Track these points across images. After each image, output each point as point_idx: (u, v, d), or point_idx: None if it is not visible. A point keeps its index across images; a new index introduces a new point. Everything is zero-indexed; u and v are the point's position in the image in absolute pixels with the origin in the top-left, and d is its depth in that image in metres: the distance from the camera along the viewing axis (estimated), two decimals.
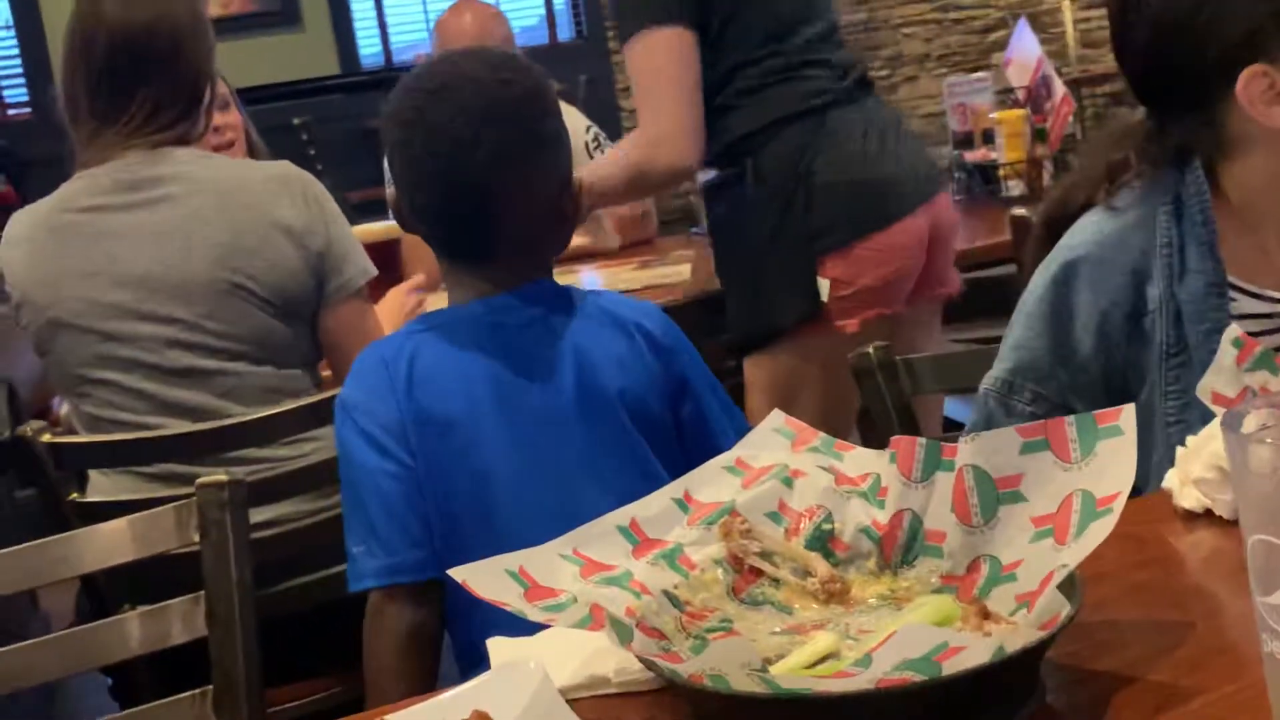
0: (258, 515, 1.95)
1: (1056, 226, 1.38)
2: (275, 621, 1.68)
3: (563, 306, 1.53)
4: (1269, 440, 0.70)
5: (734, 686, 0.81)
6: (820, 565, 1.00)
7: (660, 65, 2.23)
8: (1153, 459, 1.25)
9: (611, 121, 6.21)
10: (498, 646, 1.03)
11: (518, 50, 3.22)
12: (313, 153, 5.94)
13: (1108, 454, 0.93)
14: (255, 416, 1.93)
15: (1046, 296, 1.34)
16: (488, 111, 1.42)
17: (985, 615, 0.87)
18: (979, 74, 3.49)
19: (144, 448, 1.93)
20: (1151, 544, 1.09)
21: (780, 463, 1.07)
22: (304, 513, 1.97)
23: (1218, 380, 1.11)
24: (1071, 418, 0.95)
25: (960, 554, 0.98)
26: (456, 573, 0.92)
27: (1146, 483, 1.22)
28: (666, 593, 0.96)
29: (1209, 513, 1.10)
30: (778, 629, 0.96)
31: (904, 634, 0.77)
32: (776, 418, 1.12)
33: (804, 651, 0.89)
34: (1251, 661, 0.73)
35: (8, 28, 6.17)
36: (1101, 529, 0.89)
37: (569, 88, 5.57)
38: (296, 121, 6.05)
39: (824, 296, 2.25)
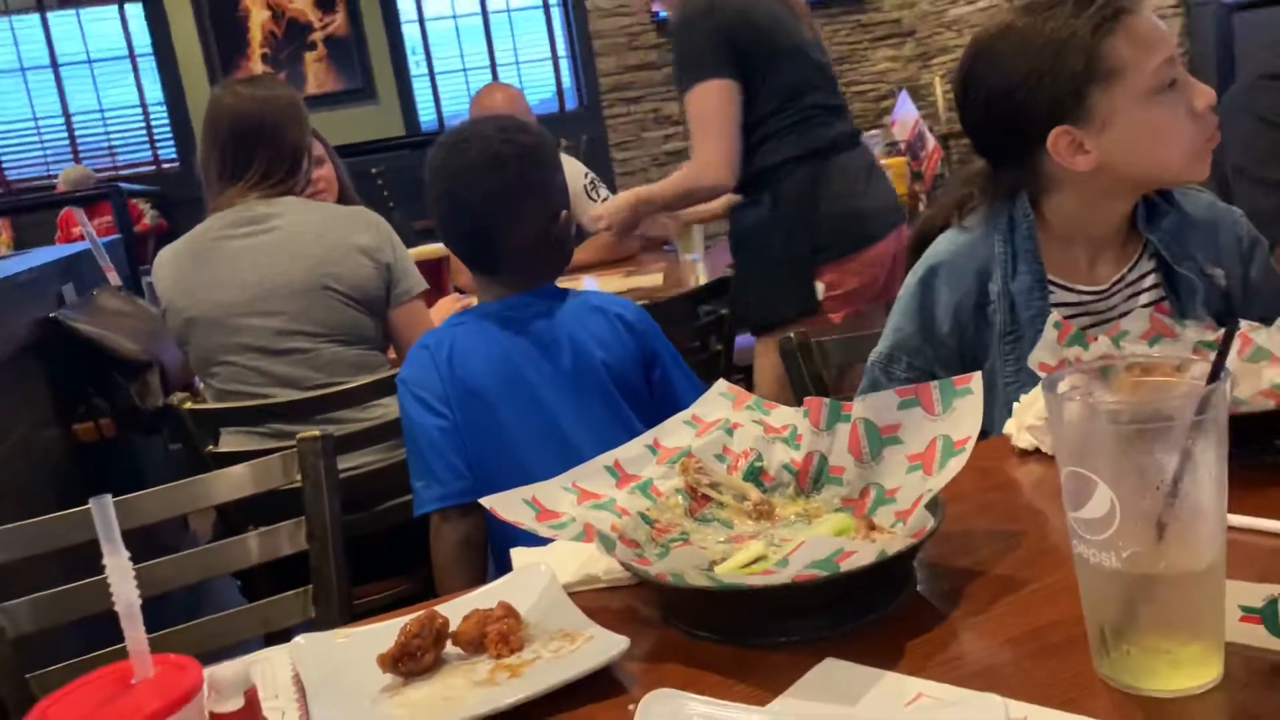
0: (345, 461, 1.96)
1: (923, 242, 1.39)
2: (361, 538, 1.68)
3: (561, 302, 1.55)
4: (1075, 399, 0.70)
5: (689, 581, 0.81)
6: (753, 492, 1.00)
7: (711, 107, 2.21)
8: (995, 411, 1.25)
9: (605, 169, 6.20)
10: (519, 555, 1.03)
11: (533, 118, 3.20)
12: (386, 194, 5.91)
13: (962, 408, 0.93)
14: (338, 389, 1.92)
15: (915, 292, 1.34)
16: (488, 164, 1.44)
17: (872, 527, 0.87)
18: (873, 131, 3.48)
19: (258, 412, 1.91)
20: (995, 474, 1.09)
21: (724, 417, 1.07)
22: (379, 460, 1.96)
23: (1043, 353, 1.11)
24: (936, 382, 0.95)
25: (855, 483, 0.98)
26: (485, 501, 0.91)
27: (992, 428, 1.22)
28: (641, 514, 0.96)
29: (1038, 451, 1.10)
30: (722, 539, 0.95)
31: (811, 543, 0.77)
32: (721, 385, 1.11)
33: (741, 555, 0.89)
34: (1067, 559, 0.73)
35: (160, 104, 6.12)
36: (957, 463, 0.89)
37: (573, 144, 5.55)
38: (374, 170, 6.02)
39: (820, 296, 2.26)
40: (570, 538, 0.88)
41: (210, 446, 1.92)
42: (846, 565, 0.77)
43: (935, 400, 0.94)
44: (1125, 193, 1.29)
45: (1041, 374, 1.10)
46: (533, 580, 0.93)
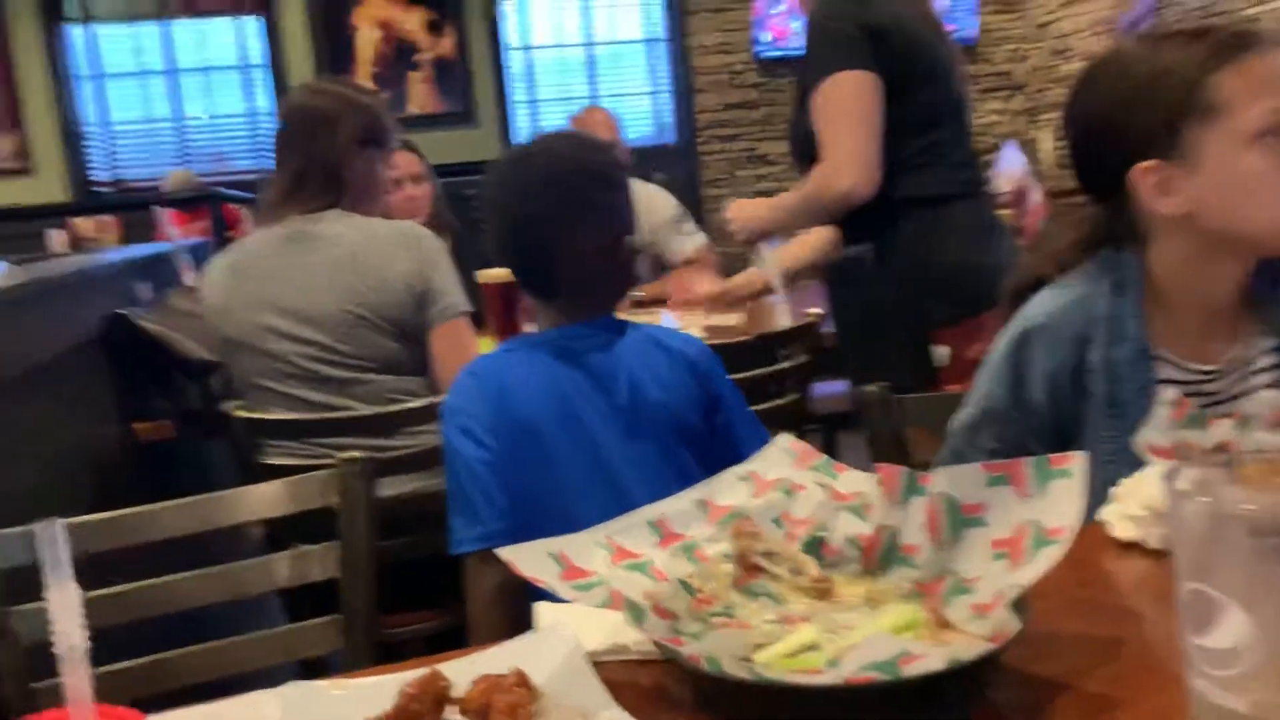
0: (386, 487, 1.88)
1: (1018, 299, 1.26)
2: (396, 566, 1.60)
3: (620, 335, 1.45)
4: (1200, 500, 0.58)
5: (725, 670, 0.70)
6: (812, 566, 0.88)
7: (845, 101, 1.93)
8: (1090, 493, 1.11)
9: (695, 205, 6.13)
10: (544, 611, 0.93)
11: (624, 144, 3.13)
12: (478, 216, 5.93)
13: (1058, 492, 0.81)
14: (376, 412, 1.85)
15: (1007, 356, 1.22)
16: (549, 180, 1.34)
17: (944, 624, 0.74)
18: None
19: (300, 427, 1.85)
20: (1089, 567, 0.95)
21: (785, 478, 0.96)
22: (420, 485, 1.88)
23: (1154, 434, 0.98)
24: (1030, 459, 0.83)
25: (929, 566, 0.86)
26: (504, 553, 0.82)
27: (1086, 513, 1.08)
28: (681, 580, 0.85)
29: (1140, 544, 0.97)
30: (771, 618, 0.84)
31: (871, 642, 0.65)
32: (784, 439, 1.00)
33: (789, 640, 0.78)
34: (1173, 680, 0.61)
35: (269, 114, 6.24)
36: (1051, 556, 0.77)
37: (670, 178, 5.50)
38: (469, 192, 6.04)
39: (943, 363, 1.99)
40: (595, 603, 0.78)
41: (258, 457, 1.86)
42: (911, 670, 0.65)
43: (1029, 479, 0.82)
44: (1224, 253, 1.16)
45: (1151, 457, 0.97)
46: (554, 645, 0.83)
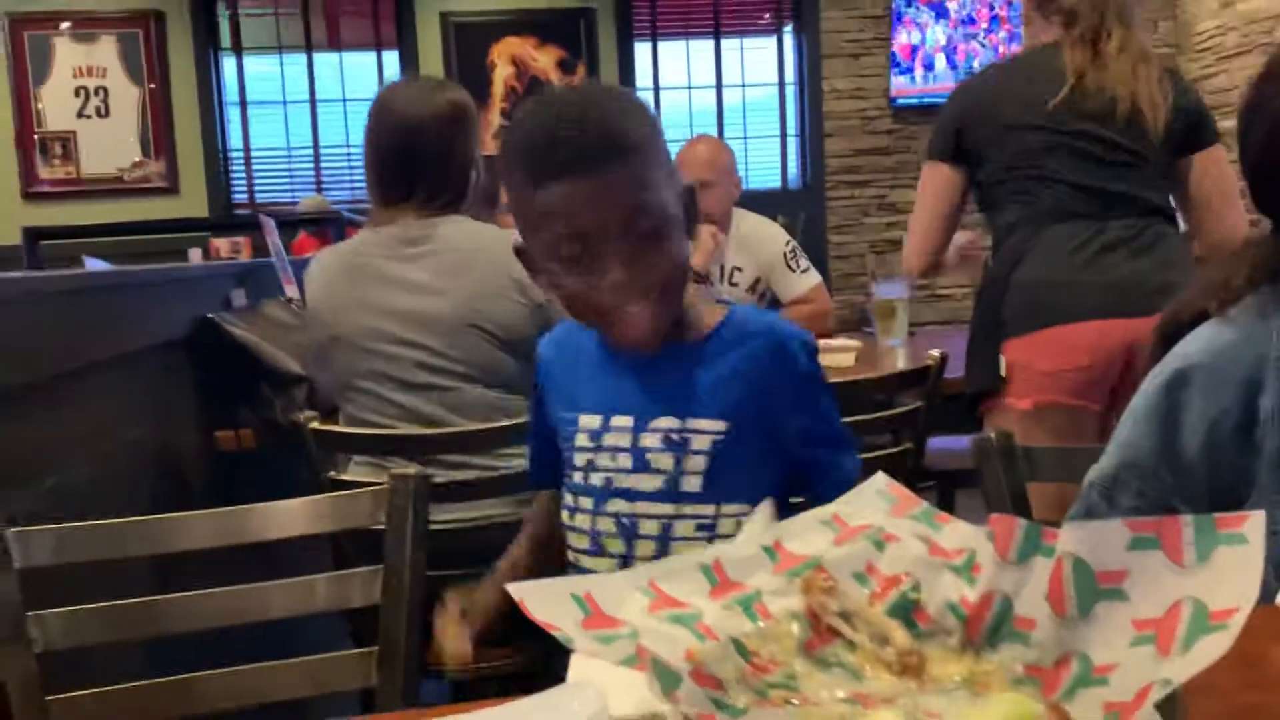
0: (467, 511, 1.77)
1: (1172, 335, 1.06)
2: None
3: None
4: None
5: None
6: (900, 635, 0.71)
7: (922, 190, 2.22)
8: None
9: (819, 249, 5.95)
10: (578, 664, 0.77)
11: (735, 173, 2.98)
12: None
13: (1227, 563, 0.62)
14: (463, 429, 1.75)
15: (1158, 400, 1.02)
16: (562, 115, 1.12)
17: None
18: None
19: (380, 441, 1.75)
20: (1264, 663, 0.76)
21: (876, 525, 0.79)
22: (504, 513, 1.76)
23: None
24: (1189, 517, 0.64)
25: (1049, 645, 0.68)
26: (515, 589, 0.67)
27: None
28: (735, 639, 0.69)
29: None
30: (843, 695, 0.67)
31: None
32: (880, 480, 0.83)
33: None
34: None
35: None
36: (1214, 646, 0.59)
37: (790, 221, 5.34)
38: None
39: (1002, 371, 2.05)
40: (616, 659, 0.63)
41: (333, 472, 1.77)
42: None
43: (1187, 545, 0.64)
44: None
45: None
46: (575, 705, 0.68)
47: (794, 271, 2.98)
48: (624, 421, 1.14)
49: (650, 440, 1.13)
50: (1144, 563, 0.65)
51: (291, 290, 2.46)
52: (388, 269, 1.89)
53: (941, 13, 6.21)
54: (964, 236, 2.35)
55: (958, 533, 0.78)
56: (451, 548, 1.55)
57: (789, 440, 1.16)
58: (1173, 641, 0.61)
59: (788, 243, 3.00)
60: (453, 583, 1.64)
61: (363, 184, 6.08)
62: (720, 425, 1.13)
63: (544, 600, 0.67)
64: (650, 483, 1.13)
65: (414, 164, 1.90)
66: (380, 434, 1.79)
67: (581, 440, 1.17)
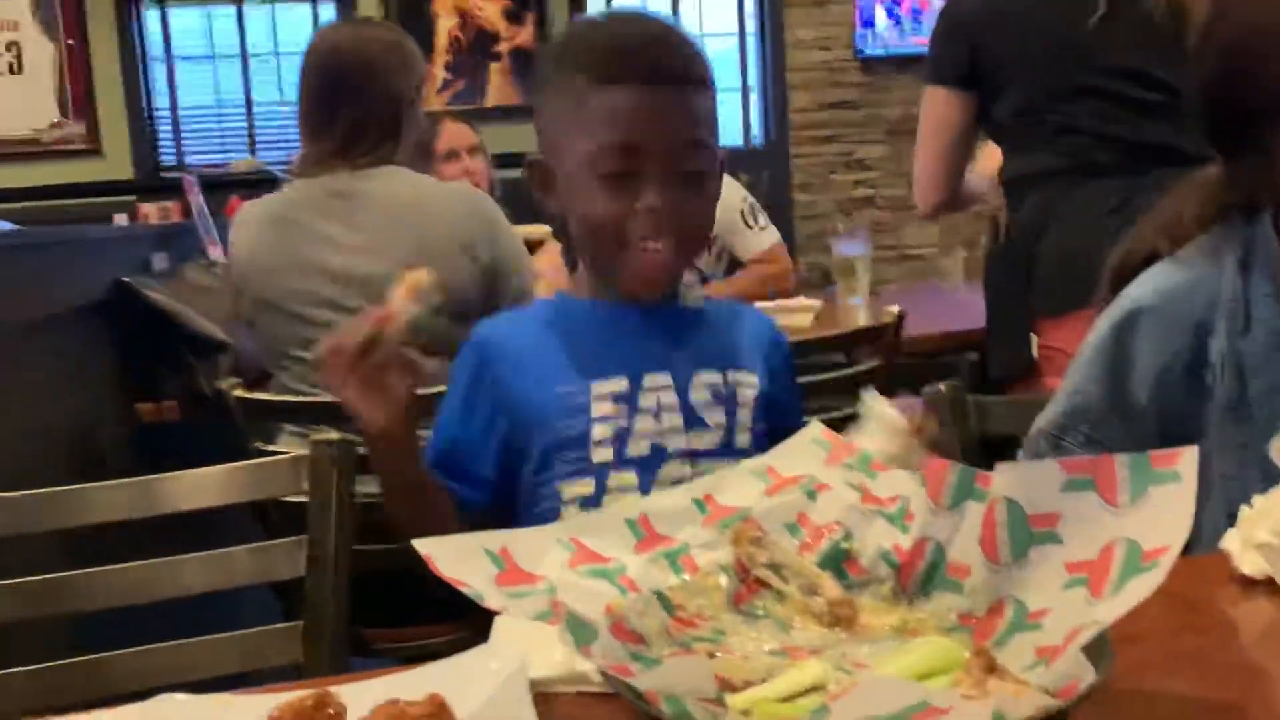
0: None
1: (1122, 277, 1.07)
2: (385, 575, 1.47)
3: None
4: None
5: (690, 713, 0.54)
6: (830, 585, 0.72)
7: (924, 119, 2.04)
8: (1206, 514, 0.92)
9: (784, 210, 5.95)
10: (503, 626, 0.77)
11: None
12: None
13: (1161, 501, 0.63)
14: None
15: (1106, 344, 1.04)
16: (648, 26, 1.13)
17: (991, 669, 0.57)
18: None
19: (311, 410, 1.73)
20: (1202, 608, 0.77)
21: (809, 474, 0.80)
22: None
23: None
24: (1124, 456, 0.66)
25: (982, 593, 0.69)
26: (422, 545, 0.67)
27: (1200, 538, 0.89)
28: (659, 593, 0.70)
29: (1271, 581, 0.78)
30: (771, 647, 0.68)
31: (874, 685, 0.49)
32: (815, 428, 0.84)
33: (787, 679, 0.62)
34: None
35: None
36: (1144, 585, 0.60)
37: (754, 179, 5.34)
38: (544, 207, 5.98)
39: (1034, 352, 1.91)
40: (530, 615, 0.63)
41: (259, 443, 1.75)
42: None
43: (1121, 483, 0.65)
44: None
45: None
46: (494, 667, 0.68)
47: (752, 229, 2.98)
48: (662, 380, 1.09)
49: (700, 394, 1.10)
50: (1078, 504, 0.66)
51: (216, 253, 2.42)
52: (318, 225, 1.86)
53: None
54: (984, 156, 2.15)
55: (893, 480, 0.79)
56: (380, 522, 1.55)
57: (774, 408, 1.16)
58: (1105, 583, 0.62)
59: (744, 199, 3.00)
60: (384, 559, 1.65)
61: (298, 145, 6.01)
62: (756, 379, 1.14)
63: (454, 556, 0.67)
64: (708, 438, 1.09)
65: (339, 94, 1.86)
66: (305, 400, 1.77)
67: (603, 409, 1.07)
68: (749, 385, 1.13)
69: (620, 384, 1.08)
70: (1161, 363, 1.01)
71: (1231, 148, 1.02)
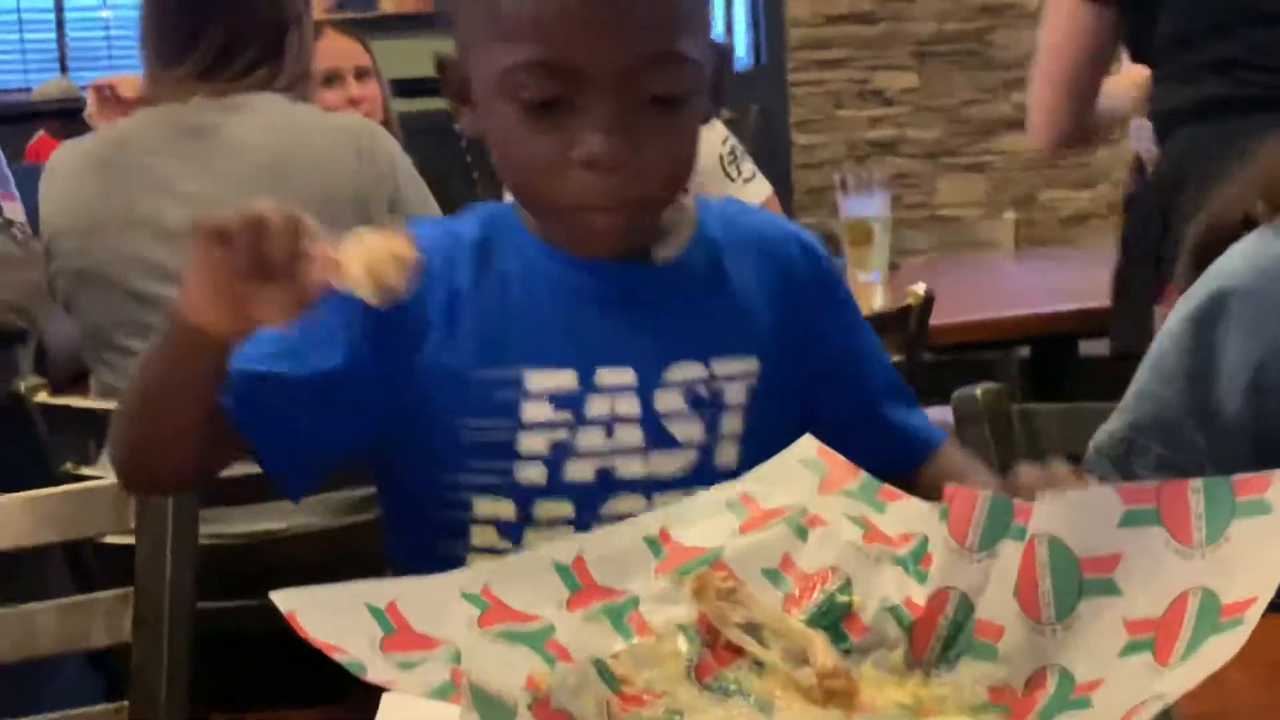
0: (262, 520, 1.77)
1: (1209, 251, 1.11)
2: (238, 639, 1.49)
3: None
4: None
5: None
6: (823, 651, 0.74)
7: (1047, 36, 2.16)
8: None
9: (780, 155, 6.00)
10: (391, 706, 0.79)
11: None
12: (470, 158, 5.84)
13: (1246, 540, 0.67)
14: None
15: (1185, 336, 1.07)
16: None
17: None
18: None
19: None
20: None
21: (798, 505, 0.82)
22: (315, 523, 1.76)
23: None
24: (1198, 482, 0.69)
25: (1020, 659, 0.72)
26: (283, 599, 0.68)
27: None
28: (598, 661, 0.71)
29: None
30: None
31: None
32: (807, 445, 0.86)
33: None
34: None
35: None
36: (1224, 648, 0.63)
37: (739, 116, 5.36)
38: (457, 126, 5.97)
39: (1155, 325, 1.92)
40: (425, 691, 0.65)
41: (70, 464, 1.76)
42: None
43: (1196, 518, 0.68)
44: None
45: None
46: None
47: (734, 180, 3.01)
48: (622, 376, 1.03)
49: (669, 400, 1.04)
50: (1141, 543, 0.69)
51: (13, 209, 2.41)
52: (158, 169, 1.86)
53: None
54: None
55: (907, 513, 0.82)
56: (234, 569, 1.56)
57: (824, 384, 1.12)
58: (1174, 646, 0.65)
59: (725, 142, 3.03)
60: (238, 616, 1.66)
61: (127, 62, 5.99)
62: (753, 364, 1.07)
63: (327, 614, 0.69)
64: (674, 463, 1.04)
65: (205, 6, 1.88)
66: None
67: (537, 412, 1.02)
68: (742, 376, 1.07)
69: (565, 378, 1.03)
70: (1257, 359, 1.05)
71: None
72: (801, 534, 0.80)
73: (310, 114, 1.94)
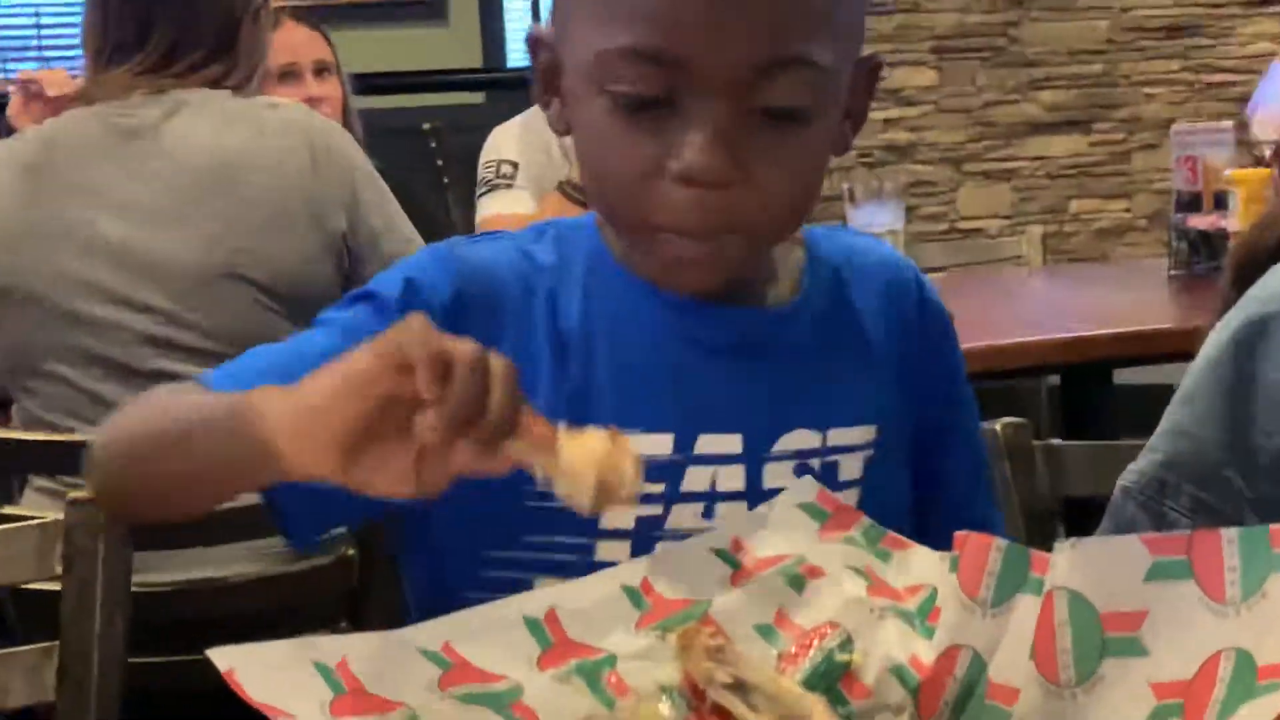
0: (189, 566, 1.77)
1: (1251, 271, 1.12)
2: (173, 698, 1.50)
3: None
4: None
5: None
6: (821, 715, 0.76)
7: None
8: None
9: None
10: None
11: None
12: (440, 163, 5.85)
13: None
14: None
15: (1223, 366, 1.09)
16: None
17: None
18: (1218, 123, 3.19)
19: (58, 452, 1.75)
20: None
21: (795, 554, 0.83)
22: (260, 568, 1.77)
23: None
24: (1233, 531, 0.71)
25: None
26: (219, 656, 0.69)
27: None
28: None
29: None
30: None
31: None
32: (806, 488, 0.87)
33: None
34: None
35: None
36: (1261, 713, 0.65)
37: None
38: (426, 127, 5.97)
39: None
40: None
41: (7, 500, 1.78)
42: None
43: (1230, 571, 0.70)
44: None
45: None
46: None
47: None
48: (726, 444, 0.96)
49: (779, 474, 0.96)
50: (1170, 598, 0.70)
51: None
52: (90, 175, 1.89)
53: None
54: None
55: (914, 562, 0.82)
56: (168, 620, 1.57)
57: (924, 447, 1.06)
58: (1205, 712, 0.66)
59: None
60: (172, 672, 1.66)
61: (62, 57, 6.01)
62: (872, 433, 1.01)
63: (270, 672, 0.69)
64: None
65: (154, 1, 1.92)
66: (64, 440, 1.78)
67: None
68: (861, 446, 1.00)
69: (661, 443, 0.95)
70: None
71: None
72: (798, 585, 0.81)
73: (259, 111, 1.95)
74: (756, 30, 0.90)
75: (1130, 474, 1.11)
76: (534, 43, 1.00)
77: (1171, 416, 1.11)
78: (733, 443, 0.95)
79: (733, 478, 0.95)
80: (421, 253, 1.01)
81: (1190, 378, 1.11)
